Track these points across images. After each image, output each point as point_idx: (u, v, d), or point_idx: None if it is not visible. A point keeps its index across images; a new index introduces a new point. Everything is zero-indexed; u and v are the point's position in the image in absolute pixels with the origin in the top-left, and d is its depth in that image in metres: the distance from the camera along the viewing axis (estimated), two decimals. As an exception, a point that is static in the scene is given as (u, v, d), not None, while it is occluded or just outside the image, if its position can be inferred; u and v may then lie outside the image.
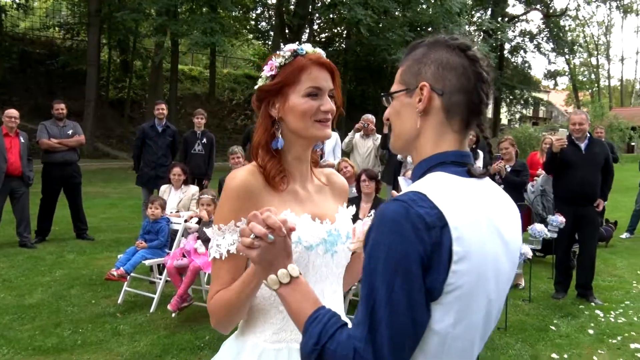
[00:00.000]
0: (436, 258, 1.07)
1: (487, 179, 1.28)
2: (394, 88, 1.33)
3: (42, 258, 7.34)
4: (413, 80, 1.27)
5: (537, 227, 5.71)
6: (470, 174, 1.23)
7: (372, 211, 1.36)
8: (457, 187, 1.18)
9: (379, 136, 8.90)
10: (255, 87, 1.57)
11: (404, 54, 1.35)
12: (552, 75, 45.62)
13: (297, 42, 1.55)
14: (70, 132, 8.38)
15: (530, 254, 5.08)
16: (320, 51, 1.57)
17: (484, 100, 1.25)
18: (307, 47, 1.54)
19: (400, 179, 1.37)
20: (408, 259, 1.06)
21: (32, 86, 25.22)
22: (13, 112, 7.95)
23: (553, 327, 5.20)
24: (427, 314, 1.09)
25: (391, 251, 1.07)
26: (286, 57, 1.52)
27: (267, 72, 1.54)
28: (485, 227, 1.17)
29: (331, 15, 25.44)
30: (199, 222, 5.50)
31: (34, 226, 8.34)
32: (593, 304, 5.99)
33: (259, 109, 1.58)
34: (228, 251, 1.46)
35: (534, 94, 39.71)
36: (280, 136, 1.55)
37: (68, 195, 8.54)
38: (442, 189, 1.15)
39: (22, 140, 7.89)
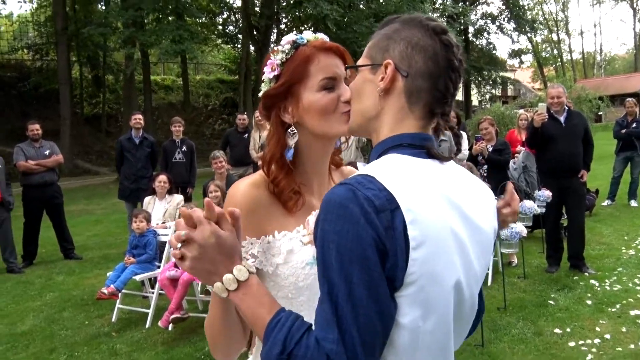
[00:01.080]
0: (391, 244, 0.98)
1: (452, 162, 1.22)
2: (360, 61, 1.25)
3: (31, 282, 7.20)
4: (379, 56, 1.19)
5: (527, 204, 5.70)
6: (430, 155, 1.15)
7: None
8: (411, 168, 1.10)
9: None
10: (260, 94, 1.37)
11: (377, 28, 1.26)
12: (516, 54, 46.07)
13: (294, 32, 1.37)
14: (47, 152, 8.22)
15: (525, 232, 5.04)
16: (322, 36, 1.38)
17: (450, 89, 1.16)
18: (307, 35, 1.36)
19: (359, 163, 1.29)
20: (362, 245, 0.97)
21: (5, 110, 24.80)
22: (-14, 138, 7.78)
23: (551, 302, 5.21)
24: (393, 304, 1.01)
25: (342, 239, 0.98)
26: (286, 51, 1.33)
27: (268, 73, 1.34)
28: (445, 208, 1.08)
29: (297, 13, 25.33)
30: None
31: (20, 250, 8.18)
32: (587, 274, 6.02)
33: (269, 119, 1.38)
34: None
35: (501, 73, 40.02)
36: (292, 146, 1.35)
37: (51, 216, 8.38)
38: (393, 170, 1.07)
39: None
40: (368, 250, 0.97)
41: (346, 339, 0.97)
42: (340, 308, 0.98)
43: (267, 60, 1.36)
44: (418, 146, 1.15)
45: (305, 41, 1.34)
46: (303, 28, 29.38)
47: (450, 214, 1.09)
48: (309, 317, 1.08)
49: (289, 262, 1.30)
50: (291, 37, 1.34)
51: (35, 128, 8.20)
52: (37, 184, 8.04)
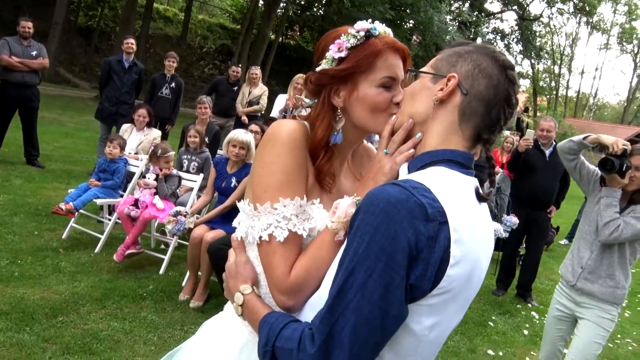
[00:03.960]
0: (425, 253, 1.00)
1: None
2: (424, 69, 1.28)
3: (-13, 179, 7.04)
4: (445, 69, 1.23)
5: (493, 226, 5.79)
6: (476, 193, 1.19)
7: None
8: (461, 188, 1.14)
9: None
10: (317, 69, 1.36)
11: (448, 46, 1.29)
12: (515, 76, 46.42)
13: (370, 20, 1.35)
14: (34, 53, 7.98)
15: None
16: (390, 32, 1.39)
17: (501, 120, 1.20)
18: (380, 27, 1.35)
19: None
20: (395, 246, 0.98)
21: (-2, -2, 23.95)
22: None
23: (491, 324, 5.32)
24: (404, 310, 1.02)
25: (378, 234, 0.99)
26: (359, 37, 1.32)
27: (334, 52, 1.33)
28: (480, 233, 1.14)
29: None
30: (156, 178, 5.33)
31: (-18, 145, 7.97)
32: (530, 305, 6.18)
33: (317, 95, 1.38)
34: (272, 235, 1.27)
35: (495, 91, 40.44)
36: (339, 130, 1.37)
37: (23, 118, 8.17)
38: (446, 186, 1.09)
39: (-20, 54, 7.47)
40: (399, 253, 0.98)
41: (338, 323, 1.00)
42: (347, 293, 1.01)
43: (331, 38, 1.35)
44: (466, 166, 1.19)
45: (378, 33, 1.34)
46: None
47: (482, 238, 1.14)
48: None
49: (313, 232, 1.31)
50: (366, 25, 1.33)
51: (27, 26, 7.93)
52: (17, 82, 7.82)
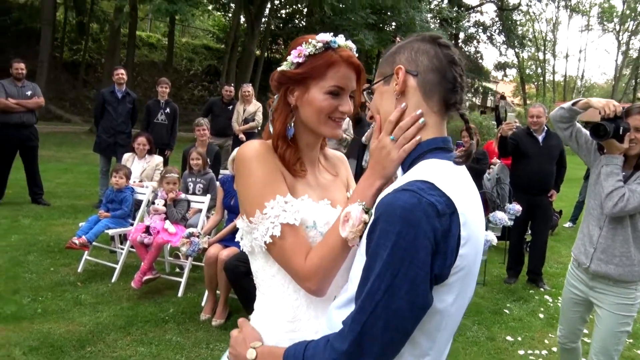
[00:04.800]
0: (444, 244, 1.11)
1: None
2: (374, 83, 1.41)
3: (-4, 222, 7.12)
4: (389, 69, 1.36)
5: (499, 215, 5.90)
6: (456, 162, 1.30)
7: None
8: (454, 174, 1.24)
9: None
10: (279, 69, 1.52)
11: (382, 55, 1.43)
12: (501, 66, 46.88)
13: (332, 34, 1.50)
14: (29, 93, 8.09)
15: (495, 241, 5.25)
16: (352, 46, 1.53)
17: (457, 79, 1.31)
18: (340, 41, 1.50)
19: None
20: (417, 246, 1.08)
21: (-19, 41, 24.04)
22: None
23: (507, 311, 5.42)
24: (429, 298, 1.13)
25: (400, 239, 1.08)
26: (317, 47, 1.47)
27: (294, 57, 1.48)
28: (477, 210, 1.26)
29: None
30: (165, 204, 5.42)
31: (-13, 188, 8.04)
32: (542, 289, 6.27)
33: (278, 91, 1.55)
34: (273, 236, 1.40)
35: (484, 83, 40.64)
36: (292, 125, 1.53)
37: (24, 159, 8.26)
38: (445, 177, 1.19)
39: (-24, 100, 7.56)
40: (421, 252, 1.09)
41: (369, 319, 1.11)
42: (374, 294, 1.11)
43: (297, 44, 1.50)
44: (449, 149, 1.32)
45: (337, 45, 1.49)
46: (297, 7, 29.27)
47: (479, 215, 1.27)
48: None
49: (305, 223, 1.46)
50: (327, 37, 1.48)
51: (20, 67, 8.05)
52: (15, 123, 7.90)
